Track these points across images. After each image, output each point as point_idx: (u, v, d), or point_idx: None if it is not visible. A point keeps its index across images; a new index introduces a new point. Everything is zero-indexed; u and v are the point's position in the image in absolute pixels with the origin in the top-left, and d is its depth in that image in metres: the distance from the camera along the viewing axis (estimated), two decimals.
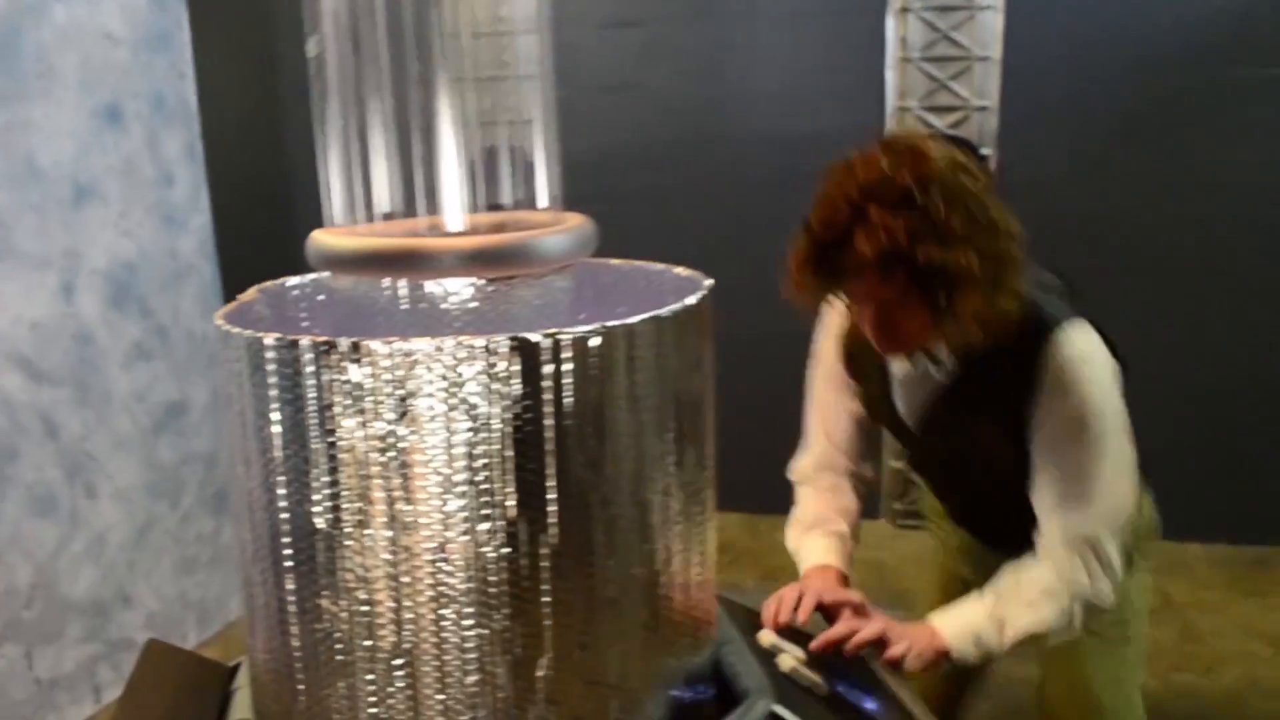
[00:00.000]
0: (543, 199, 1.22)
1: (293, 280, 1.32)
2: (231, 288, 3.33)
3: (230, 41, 3.92)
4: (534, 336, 0.96)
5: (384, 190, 1.17)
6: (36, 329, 2.69)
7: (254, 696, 1.18)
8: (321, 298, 1.32)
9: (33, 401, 2.69)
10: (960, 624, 1.57)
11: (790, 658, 1.45)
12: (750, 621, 1.55)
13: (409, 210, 1.20)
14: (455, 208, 1.13)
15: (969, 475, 1.70)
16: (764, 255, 3.88)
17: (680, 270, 1.28)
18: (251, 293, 1.24)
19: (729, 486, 4.07)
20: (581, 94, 3.89)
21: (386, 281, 1.12)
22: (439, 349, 0.95)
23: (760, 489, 3.99)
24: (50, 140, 2.71)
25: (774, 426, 3.93)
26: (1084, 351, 1.43)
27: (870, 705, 1.55)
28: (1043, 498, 1.52)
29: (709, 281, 1.20)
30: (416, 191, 1.18)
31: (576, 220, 1.18)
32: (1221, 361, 3.61)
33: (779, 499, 3.93)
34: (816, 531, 1.81)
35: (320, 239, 1.14)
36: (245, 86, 4.07)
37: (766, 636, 1.51)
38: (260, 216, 3.88)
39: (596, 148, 3.89)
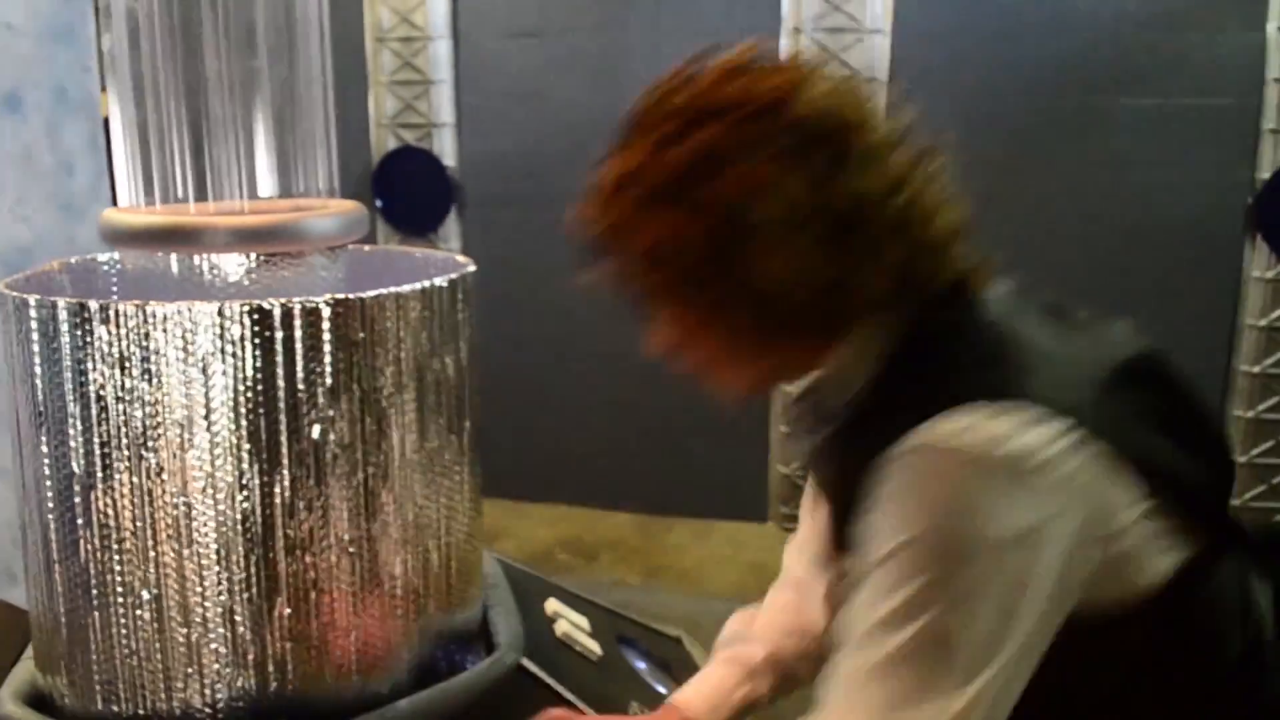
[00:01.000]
0: (322, 190, 1.33)
1: (103, 255, 1.43)
2: None
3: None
4: (265, 304, 1.07)
5: (175, 174, 1.28)
6: None
7: (33, 635, 1.28)
8: (115, 279, 1.43)
9: None
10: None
11: (566, 623, 1.57)
12: (541, 589, 1.67)
13: (201, 196, 1.31)
14: (229, 192, 1.24)
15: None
16: None
17: (459, 258, 1.40)
18: (54, 264, 1.35)
19: (622, 488, 4.20)
20: (489, 100, 4.01)
21: (164, 256, 1.23)
22: (178, 312, 1.06)
23: (651, 492, 4.12)
24: None
25: (667, 430, 4.06)
26: (965, 458, 0.88)
27: (650, 669, 1.68)
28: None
29: (470, 267, 1.32)
30: (206, 177, 1.29)
31: (347, 206, 1.29)
32: None
33: (668, 500, 4.07)
34: (717, 655, 1.32)
35: (109, 216, 1.25)
36: None
37: (553, 604, 1.63)
38: None
39: (503, 153, 4.01)
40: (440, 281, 1.23)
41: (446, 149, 4.01)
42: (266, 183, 1.30)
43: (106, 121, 3.26)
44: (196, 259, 1.22)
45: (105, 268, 1.42)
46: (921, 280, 0.99)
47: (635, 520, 4.10)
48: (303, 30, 1.33)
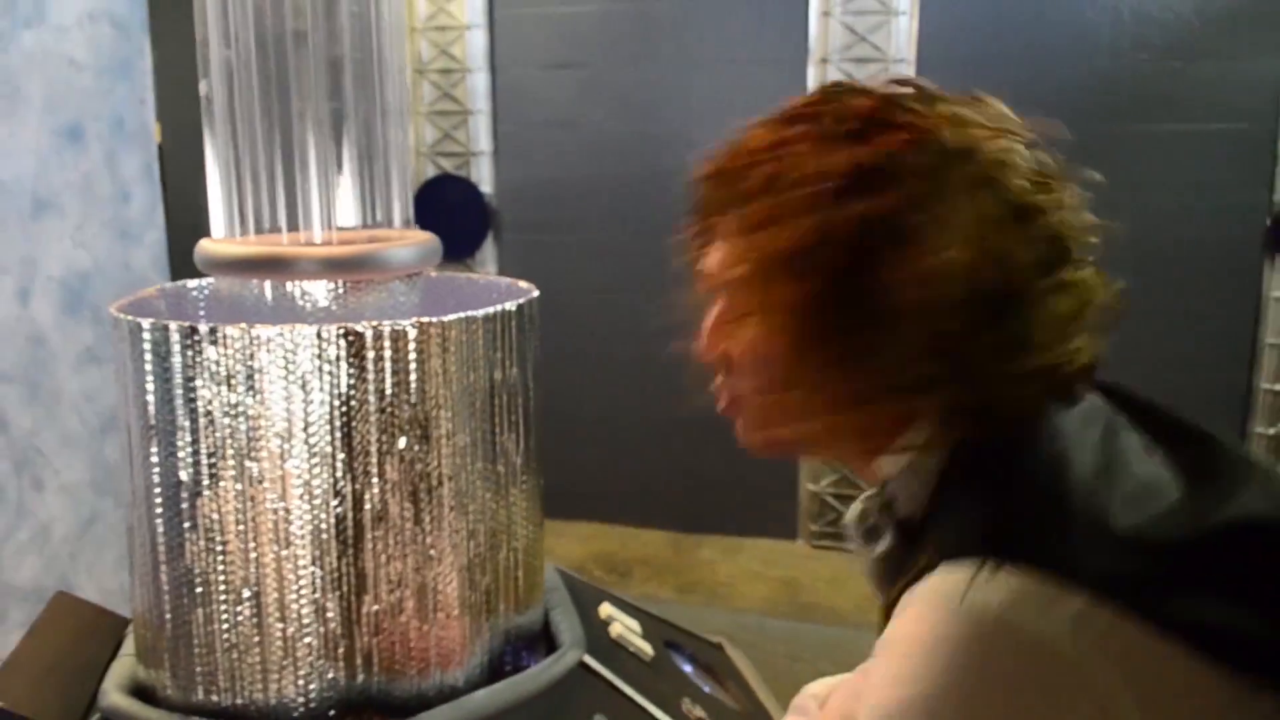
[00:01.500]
0: (397, 220, 1.44)
1: (192, 282, 1.54)
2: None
3: (189, 71, 4.16)
4: (359, 327, 1.18)
5: (263, 207, 1.39)
6: None
7: (135, 630, 1.39)
8: (203, 305, 1.54)
9: None
10: None
11: (620, 625, 1.67)
12: (596, 598, 1.77)
13: (291, 226, 1.42)
14: (316, 223, 1.35)
15: None
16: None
17: (522, 284, 1.51)
18: (151, 290, 1.46)
19: (655, 507, 4.30)
20: (526, 129, 4.14)
21: (255, 284, 1.34)
22: (280, 334, 1.17)
23: (682, 509, 4.22)
24: (12, 157, 2.92)
25: (699, 449, 4.15)
26: (975, 627, 0.74)
27: (696, 672, 1.77)
28: None
29: (535, 293, 1.42)
30: (297, 210, 1.40)
31: (422, 237, 1.40)
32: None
33: (699, 517, 4.16)
34: None
35: (205, 245, 1.36)
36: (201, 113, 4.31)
37: (606, 608, 1.72)
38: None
39: (538, 180, 4.14)
40: (509, 306, 1.33)
41: (484, 176, 4.13)
42: (349, 214, 1.41)
43: (161, 150, 3.40)
44: (288, 285, 1.33)
45: (194, 293, 1.54)
46: (1008, 385, 0.85)
47: (667, 537, 4.20)
48: (379, 70, 1.44)
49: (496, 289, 1.55)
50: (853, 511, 1.00)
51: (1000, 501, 0.80)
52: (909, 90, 0.90)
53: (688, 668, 1.79)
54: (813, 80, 3.84)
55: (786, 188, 0.86)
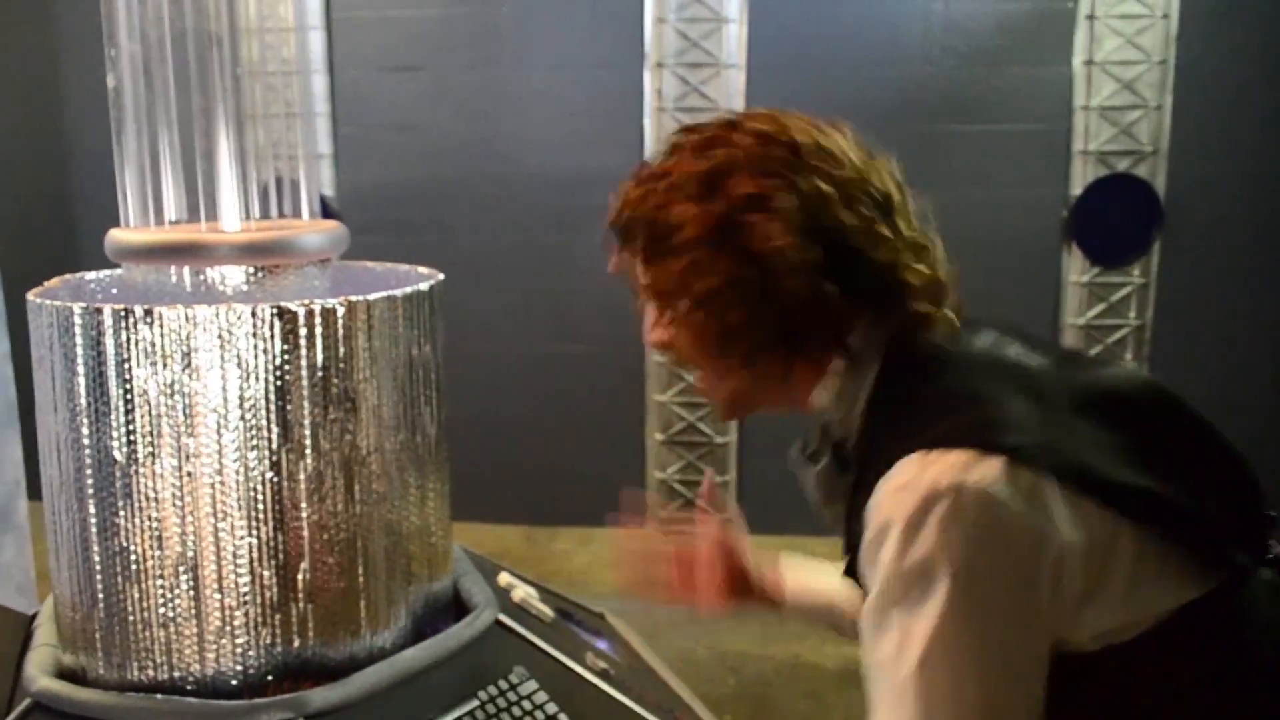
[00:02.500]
0: (305, 212, 1.50)
1: (90, 274, 1.56)
2: (14, 306, 3.42)
3: (16, 67, 4.00)
4: (292, 305, 1.25)
5: (171, 199, 1.43)
6: None
7: (59, 615, 1.40)
8: (115, 290, 1.56)
9: None
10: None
11: (522, 590, 1.76)
12: (493, 570, 1.85)
13: (193, 217, 1.46)
14: (230, 212, 1.40)
15: None
16: (538, 282, 4.21)
17: (422, 269, 1.58)
18: (55, 281, 1.48)
19: (508, 502, 4.38)
20: (367, 131, 4.15)
21: (173, 271, 1.38)
22: (216, 314, 1.22)
23: (535, 504, 4.31)
24: None
25: (547, 444, 4.26)
26: (936, 499, 0.94)
27: (588, 636, 1.88)
28: None
29: (440, 276, 1.51)
30: (199, 200, 1.45)
31: (331, 225, 1.47)
32: None
33: (551, 512, 4.26)
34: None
35: (118, 235, 1.39)
36: (30, 111, 4.14)
37: (504, 577, 1.81)
38: (43, 239, 3.96)
39: (382, 182, 4.16)
40: (424, 286, 1.42)
41: (325, 178, 4.13)
42: (256, 206, 1.46)
43: None
44: (207, 271, 1.37)
45: (92, 285, 1.55)
46: (898, 318, 1.07)
47: (521, 531, 4.28)
48: (284, 70, 1.50)
49: (395, 275, 1.62)
50: (796, 445, 1.23)
51: (937, 403, 1.01)
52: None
53: (580, 631, 1.90)
54: (649, 84, 4.00)
55: (667, 232, 1.07)
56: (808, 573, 1.47)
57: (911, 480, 0.95)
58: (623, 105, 4.07)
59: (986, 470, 0.93)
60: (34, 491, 3.52)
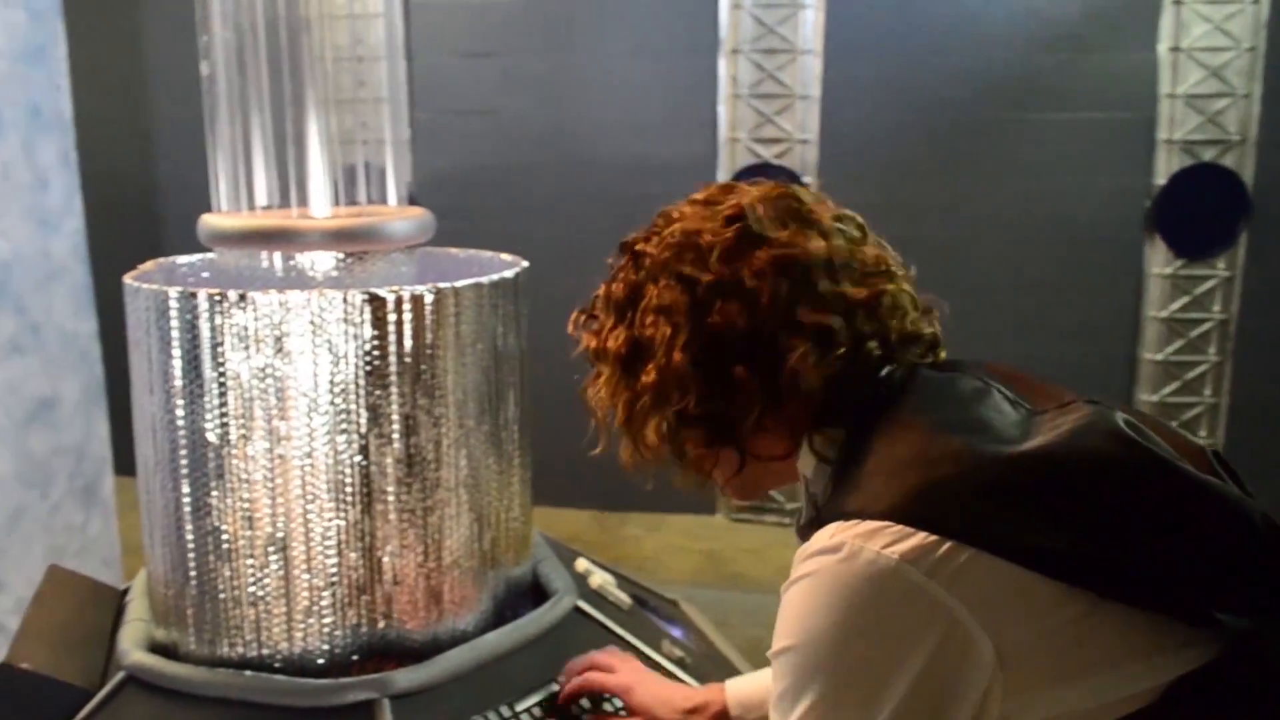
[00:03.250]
0: (392, 199, 1.52)
1: (181, 259, 1.59)
2: (103, 288, 3.51)
3: (105, 57, 4.10)
4: (382, 292, 1.26)
5: (261, 185, 1.46)
6: None
7: (151, 592, 1.44)
8: (206, 274, 1.59)
9: None
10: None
11: (599, 577, 1.77)
12: (570, 556, 1.86)
13: (283, 203, 1.49)
14: (320, 197, 1.42)
15: None
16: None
17: (506, 256, 1.59)
18: (149, 265, 1.51)
19: (579, 486, 4.41)
20: (444, 117, 4.18)
21: (264, 255, 1.41)
22: (309, 300, 1.24)
23: (606, 489, 4.32)
24: None
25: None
26: (846, 564, 0.92)
27: (664, 623, 1.89)
28: None
29: (524, 263, 1.51)
30: (289, 186, 1.47)
31: (418, 212, 1.48)
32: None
33: (622, 498, 4.27)
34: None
35: (211, 220, 1.42)
36: (118, 99, 4.24)
37: (582, 563, 1.82)
38: (130, 222, 4.06)
39: (458, 168, 4.19)
40: (509, 274, 1.43)
41: (403, 164, 4.17)
42: (349, 193, 1.48)
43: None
44: (297, 257, 1.39)
45: (184, 269, 1.59)
46: (856, 389, 1.03)
47: (592, 516, 4.30)
48: (368, 56, 1.51)
49: (479, 262, 1.63)
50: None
51: (853, 476, 0.98)
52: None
53: (655, 619, 1.91)
54: (724, 70, 3.98)
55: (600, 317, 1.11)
56: (756, 683, 1.37)
57: (817, 548, 0.93)
58: (697, 92, 4.05)
59: (899, 544, 0.90)
60: (120, 467, 3.62)
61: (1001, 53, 3.84)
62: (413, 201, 4.22)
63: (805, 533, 1.02)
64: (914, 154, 3.97)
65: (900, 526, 0.90)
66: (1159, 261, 3.89)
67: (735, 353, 1.02)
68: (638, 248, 1.09)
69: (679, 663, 1.57)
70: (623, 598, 1.74)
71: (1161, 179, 3.83)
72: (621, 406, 1.08)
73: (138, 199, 4.53)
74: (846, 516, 0.93)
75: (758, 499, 1.16)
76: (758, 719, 1.34)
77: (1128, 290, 3.96)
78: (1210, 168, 3.83)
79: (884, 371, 1.04)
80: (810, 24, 3.90)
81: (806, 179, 3.98)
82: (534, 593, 1.60)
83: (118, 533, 3.66)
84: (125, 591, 1.60)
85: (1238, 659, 0.92)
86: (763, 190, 1.08)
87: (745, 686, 1.36)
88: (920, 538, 0.90)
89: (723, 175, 4.05)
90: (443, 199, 4.26)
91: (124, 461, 3.63)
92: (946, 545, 0.89)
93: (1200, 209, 3.84)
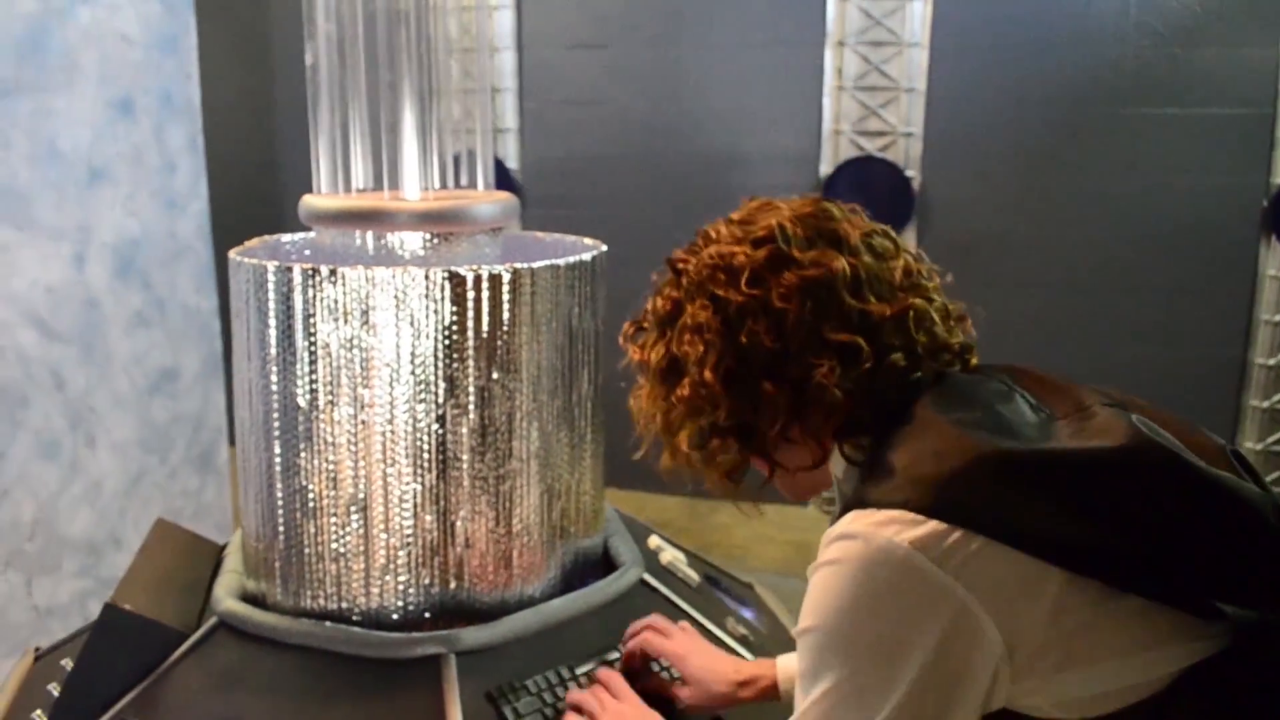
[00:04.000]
0: (480, 183, 1.59)
1: (286, 237, 1.69)
2: (223, 267, 3.69)
3: (232, 47, 4.31)
4: (461, 270, 1.33)
5: (358, 168, 1.54)
6: (51, 292, 3.05)
7: (244, 545, 1.54)
8: (307, 251, 1.69)
9: (44, 357, 3.05)
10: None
11: (670, 554, 1.82)
12: (644, 532, 1.92)
13: (378, 186, 1.57)
14: (412, 181, 1.50)
15: None
16: None
17: (587, 240, 1.66)
18: (254, 241, 1.61)
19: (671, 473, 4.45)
20: (550, 107, 4.28)
21: (357, 234, 1.49)
22: (393, 276, 1.32)
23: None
24: (70, 127, 3.07)
25: None
26: (862, 550, 0.96)
27: (734, 603, 1.93)
28: None
29: (603, 247, 1.57)
30: (384, 170, 1.55)
31: (503, 196, 1.55)
32: (1106, 364, 4.01)
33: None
34: None
35: (310, 200, 1.51)
36: (244, 88, 4.45)
37: (654, 540, 1.88)
38: (251, 205, 4.26)
39: (564, 156, 4.28)
40: (585, 257, 1.49)
41: (510, 152, 4.28)
42: (436, 177, 1.56)
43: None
44: (388, 236, 1.48)
45: (287, 246, 1.69)
46: (881, 398, 1.07)
47: (683, 503, 4.36)
48: (478, 49, 1.59)
49: (563, 245, 1.70)
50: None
51: (875, 471, 1.02)
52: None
53: (725, 599, 1.95)
54: (830, 62, 3.98)
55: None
56: None
57: (843, 531, 0.97)
58: (802, 84, 4.06)
59: (914, 530, 0.94)
60: (235, 438, 3.82)
61: (1113, 47, 3.76)
62: (512, 188, 4.32)
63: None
64: (1020, 150, 3.92)
65: (913, 515, 0.95)
66: (1275, 263, 3.77)
67: (764, 370, 1.08)
68: (679, 266, 1.16)
69: (742, 640, 1.62)
70: (691, 575, 1.79)
71: None
72: (659, 416, 1.16)
73: (259, 183, 4.74)
74: (864, 506, 0.98)
75: (804, 501, 1.21)
76: None
77: (1242, 292, 3.84)
78: None
79: (911, 378, 1.09)
80: (918, 17, 3.88)
81: (910, 173, 3.97)
82: (604, 565, 1.66)
83: (230, 499, 3.85)
84: (224, 546, 1.72)
85: (1245, 652, 0.94)
86: (794, 208, 1.13)
87: (795, 664, 1.40)
88: (931, 526, 0.94)
89: (825, 168, 4.05)
90: (548, 187, 4.36)
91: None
92: (957, 534, 0.93)
93: None
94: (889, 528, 0.95)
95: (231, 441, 3.82)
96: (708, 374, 1.08)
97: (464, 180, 1.62)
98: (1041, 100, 3.86)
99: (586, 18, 4.22)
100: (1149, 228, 3.85)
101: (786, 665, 1.39)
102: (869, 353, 1.07)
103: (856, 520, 0.97)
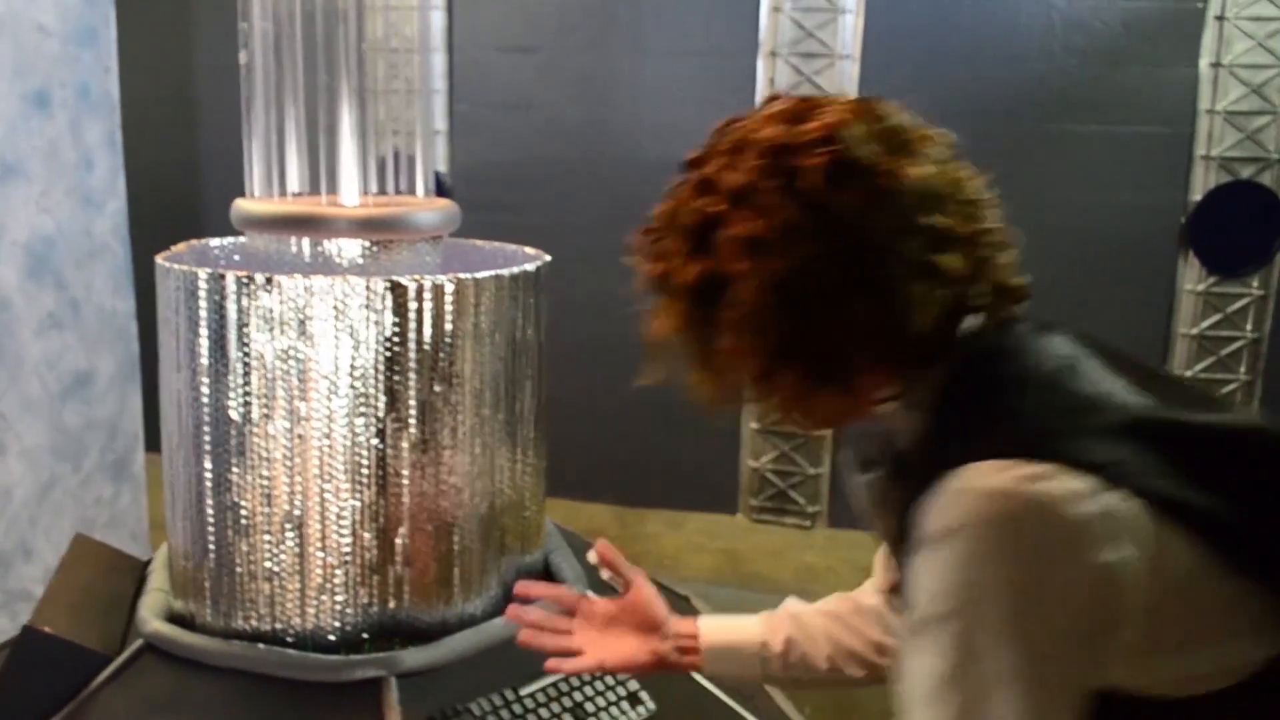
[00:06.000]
0: (419, 190, 1.55)
1: (214, 241, 1.63)
2: (141, 268, 3.57)
3: (153, 41, 4.18)
4: (404, 280, 1.29)
5: (294, 172, 1.49)
6: None
7: (172, 563, 1.48)
8: (237, 257, 1.63)
9: None
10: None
11: (609, 570, 1.79)
12: (583, 547, 1.89)
13: (314, 190, 1.52)
14: (350, 186, 1.45)
15: None
16: None
17: (529, 250, 1.62)
18: (181, 246, 1.55)
19: (601, 481, 4.43)
20: (481, 110, 4.23)
21: (293, 241, 1.44)
22: (332, 285, 1.28)
23: (628, 485, 4.35)
24: None
25: (643, 426, 4.29)
26: (1010, 505, 0.88)
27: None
28: None
29: (546, 257, 1.54)
30: (320, 174, 1.51)
31: (444, 203, 1.51)
32: None
33: (643, 494, 4.30)
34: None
35: (243, 204, 1.45)
36: (164, 84, 4.32)
37: (593, 556, 1.85)
38: (171, 204, 4.13)
39: (494, 161, 4.23)
40: (529, 267, 1.45)
41: (439, 155, 4.22)
42: (374, 181, 1.51)
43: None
44: (325, 243, 1.43)
45: (216, 252, 1.63)
46: (963, 323, 0.98)
47: (612, 511, 4.33)
48: (406, 48, 1.55)
49: (503, 254, 1.66)
50: (849, 452, 1.13)
51: (1010, 409, 0.94)
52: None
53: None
54: (762, 73, 4.00)
55: (671, 240, 1.01)
56: (729, 619, 1.34)
57: (982, 486, 0.88)
58: (735, 93, 4.06)
59: (1068, 485, 0.87)
60: (151, 444, 3.69)
61: (1040, 64, 3.83)
62: (446, 193, 4.25)
63: (894, 481, 1.02)
64: None
65: (1057, 468, 0.87)
66: (1192, 278, 3.87)
67: (824, 289, 0.94)
68: (708, 170, 0.99)
69: None
70: None
71: (1197, 195, 3.81)
72: (693, 341, 1.01)
73: (180, 182, 4.61)
74: (989, 456, 0.89)
75: (826, 430, 1.06)
76: (726, 672, 1.30)
77: (1160, 305, 3.94)
78: (1247, 185, 3.80)
79: (992, 314, 1.00)
80: (849, 29, 3.90)
81: None
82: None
83: (146, 507, 3.73)
84: (148, 563, 1.65)
85: None
86: (851, 107, 0.99)
87: (720, 621, 1.32)
88: (1082, 482, 0.87)
89: None
90: (477, 191, 4.31)
91: (155, 438, 3.71)
92: (1108, 493, 0.87)
93: (1235, 226, 3.81)
94: (1039, 482, 0.87)
95: (148, 448, 3.70)
96: (761, 291, 0.94)
97: (402, 185, 1.57)
98: (970, 114, 3.90)
99: (519, 20, 4.18)
100: (1073, 240, 3.92)
101: (709, 623, 1.31)
102: (946, 275, 0.96)
103: (991, 474, 0.88)
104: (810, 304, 0.95)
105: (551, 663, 1.22)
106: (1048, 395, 0.95)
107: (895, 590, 1.10)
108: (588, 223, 4.26)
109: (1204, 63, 3.74)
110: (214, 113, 4.44)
